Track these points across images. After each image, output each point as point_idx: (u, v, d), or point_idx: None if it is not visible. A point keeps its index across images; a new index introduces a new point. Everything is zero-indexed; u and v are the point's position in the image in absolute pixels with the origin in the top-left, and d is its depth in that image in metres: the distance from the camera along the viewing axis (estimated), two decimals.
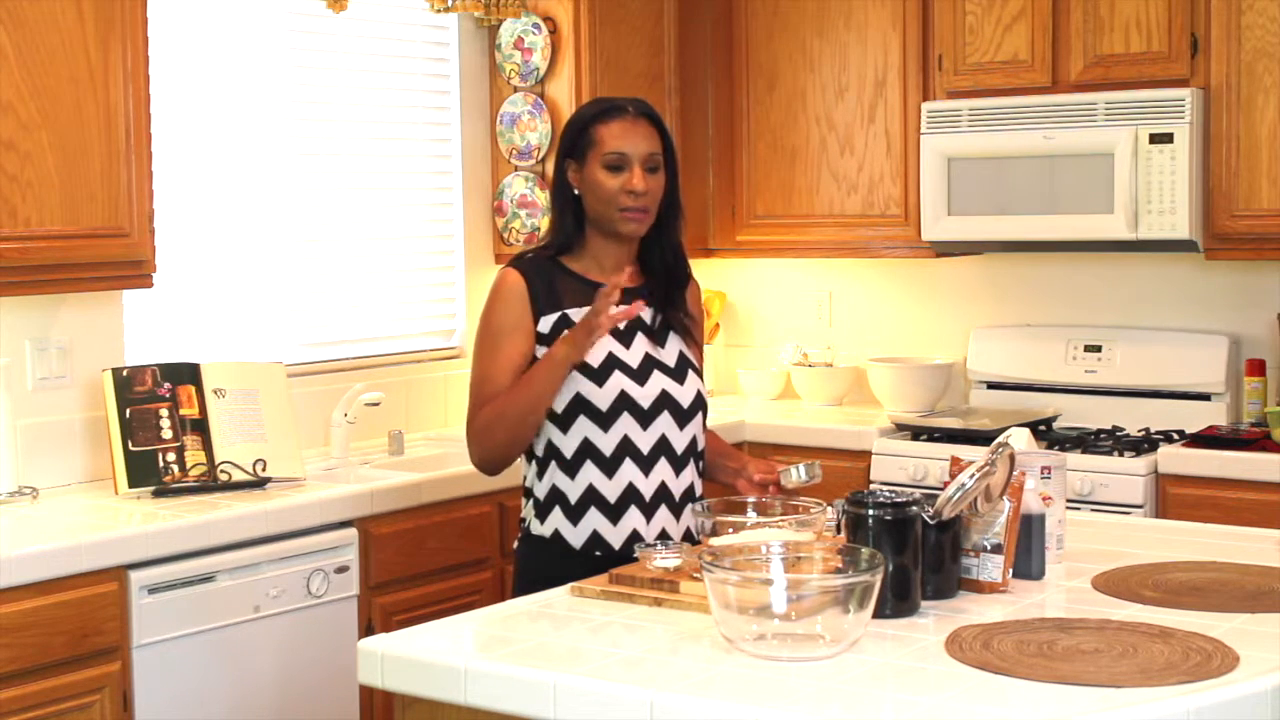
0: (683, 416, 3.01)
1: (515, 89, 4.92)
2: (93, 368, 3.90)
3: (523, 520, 3.06)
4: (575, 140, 3.00)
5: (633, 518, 2.94)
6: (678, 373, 3.02)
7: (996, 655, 2.22)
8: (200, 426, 3.82)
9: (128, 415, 3.73)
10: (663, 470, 2.98)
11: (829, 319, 5.41)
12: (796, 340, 5.40)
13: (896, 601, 2.44)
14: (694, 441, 3.04)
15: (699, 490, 3.06)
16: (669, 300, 3.07)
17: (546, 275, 2.98)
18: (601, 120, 2.98)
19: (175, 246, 4.10)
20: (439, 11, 4.66)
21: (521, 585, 2.97)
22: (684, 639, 2.36)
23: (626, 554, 2.87)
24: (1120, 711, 2.00)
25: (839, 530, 2.67)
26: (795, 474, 2.91)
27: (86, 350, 3.92)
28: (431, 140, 4.89)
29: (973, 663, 2.19)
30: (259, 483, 3.82)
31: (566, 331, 2.91)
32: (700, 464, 3.08)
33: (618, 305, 2.90)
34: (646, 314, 3.04)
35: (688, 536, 2.99)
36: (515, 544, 3.08)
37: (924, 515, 2.50)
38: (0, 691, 3.12)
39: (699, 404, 3.05)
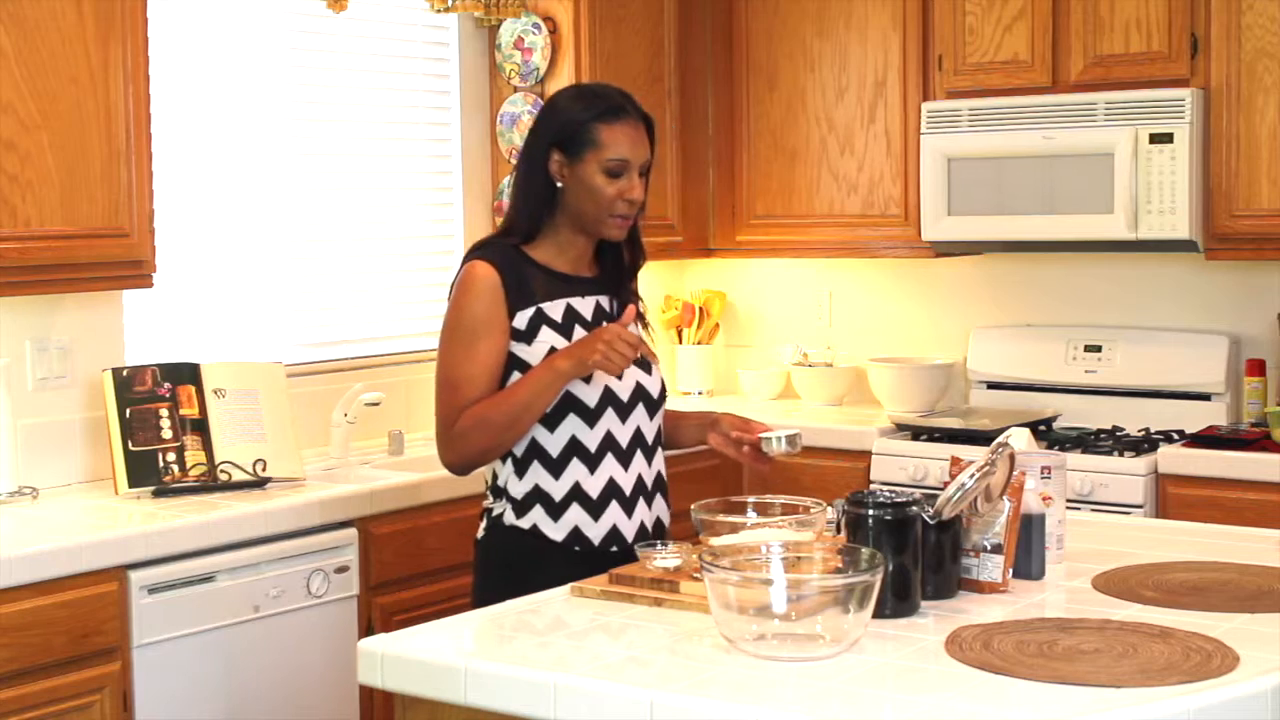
0: (653, 407, 3.01)
1: (515, 89, 4.92)
2: (93, 368, 3.90)
3: (489, 511, 3.00)
4: (572, 135, 2.91)
5: (613, 513, 2.93)
6: (643, 364, 3.00)
7: (996, 655, 2.22)
8: (200, 426, 3.82)
9: (128, 415, 3.73)
10: (639, 463, 2.97)
11: (829, 319, 5.41)
12: (796, 340, 5.40)
13: (896, 601, 2.44)
14: (659, 431, 3.05)
15: (665, 477, 3.06)
16: (621, 284, 3.05)
17: (516, 267, 2.93)
18: (604, 121, 2.90)
19: (175, 246, 4.10)
20: (439, 11, 4.66)
21: (492, 575, 2.93)
22: (684, 639, 2.36)
23: (605, 549, 2.88)
24: (1120, 711, 2.00)
25: (839, 530, 2.67)
26: (776, 444, 2.89)
27: (86, 350, 3.92)
28: (431, 140, 4.89)
29: (973, 663, 2.19)
30: (259, 483, 3.82)
31: (570, 344, 2.88)
32: (662, 453, 3.07)
33: (583, 298, 2.96)
34: (608, 302, 3.02)
35: (659, 526, 3.00)
36: (479, 534, 3.02)
37: (924, 515, 2.50)
38: (0, 691, 3.12)
39: (664, 393, 3.06)
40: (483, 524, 3.03)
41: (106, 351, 3.95)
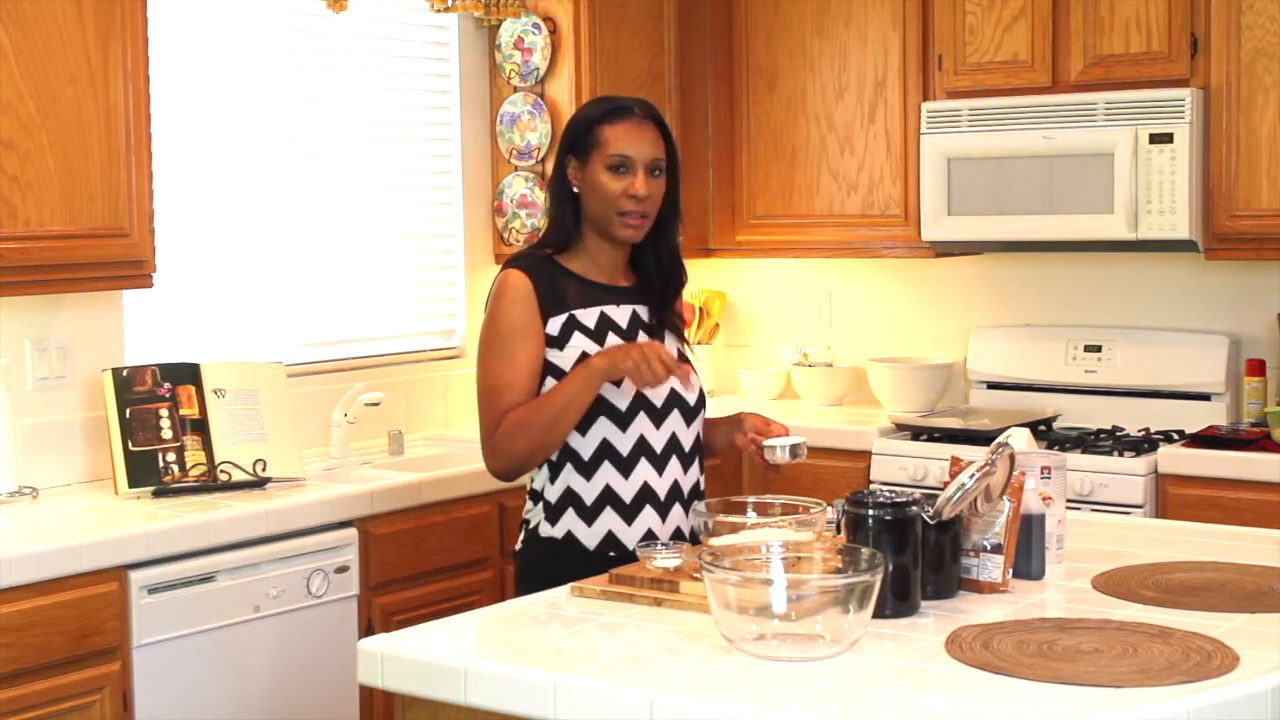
0: (689, 414, 3.02)
1: (515, 89, 4.92)
2: (93, 368, 3.90)
3: (526, 522, 3.04)
4: (579, 138, 2.97)
5: (648, 517, 2.94)
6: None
7: (996, 655, 2.22)
8: (200, 426, 3.82)
9: (128, 415, 3.73)
10: (674, 469, 2.98)
11: (829, 319, 5.41)
12: (796, 340, 5.40)
13: (896, 601, 2.44)
14: (698, 439, 3.06)
15: (703, 486, 3.06)
16: (662, 301, 3.07)
17: (548, 275, 2.97)
18: (608, 120, 2.95)
19: (175, 246, 4.10)
20: (439, 11, 4.66)
21: (528, 588, 2.95)
22: (684, 639, 2.36)
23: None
24: (1120, 711, 2.00)
25: (839, 530, 2.67)
26: (781, 453, 2.90)
27: (86, 350, 3.92)
28: (431, 140, 4.89)
29: (973, 663, 2.19)
30: (259, 483, 3.82)
31: (609, 347, 2.89)
32: (702, 461, 3.08)
33: (618, 306, 2.94)
34: (644, 312, 3.04)
35: (695, 534, 2.99)
36: (518, 546, 3.07)
37: (924, 515, 2.50)
38: (0, 691, 3.12)
39: (702, 401, 3.06)
40: (521, 536, 3.06)
41: (106, 351, 3.95)
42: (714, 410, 3.21)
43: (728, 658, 2.24)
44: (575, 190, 2.98)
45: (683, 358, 3.07)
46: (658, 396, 2.96)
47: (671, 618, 2.47)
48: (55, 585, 3.20)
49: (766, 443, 2.93)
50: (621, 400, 2.92)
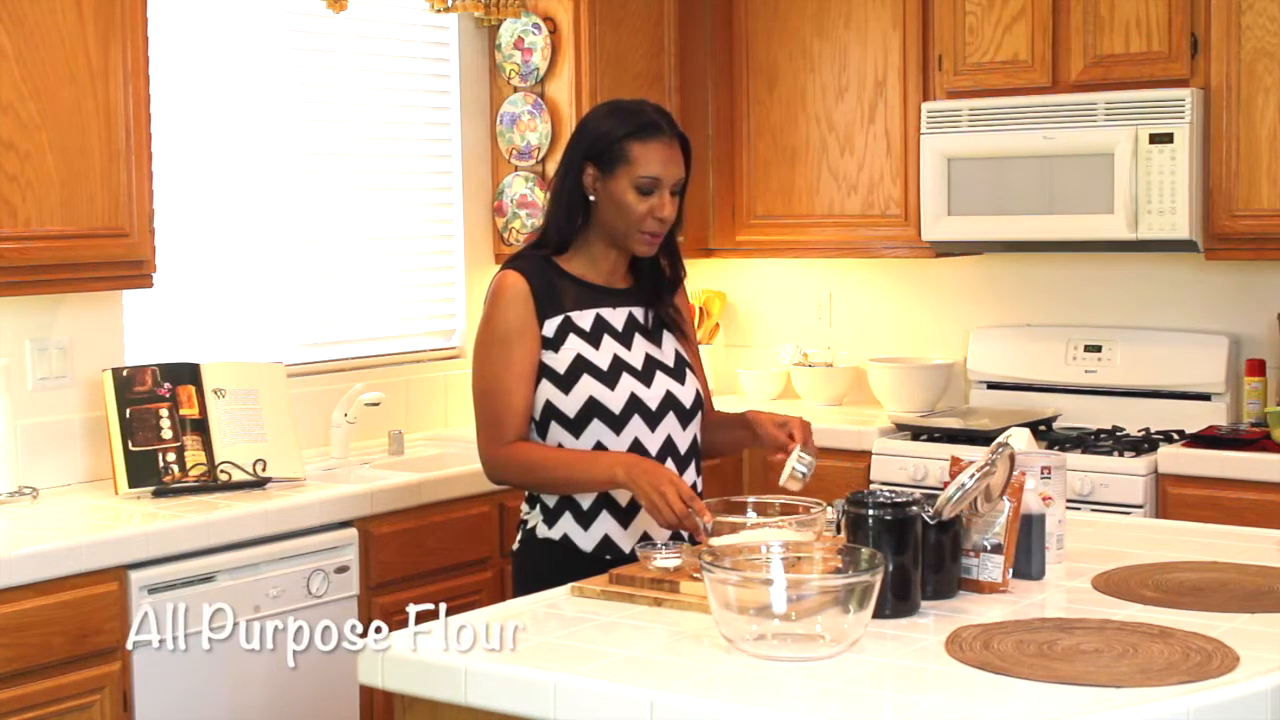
0: (685, 416, 3.01)
1: (515, 89, 4.92)
2: (93, 368, 3.90)
3: (524, 523, 3.03)
4: (606, 149, 2.91)
5: (645, 520, 2.92)
6: (677, 373, 3.02)
7: (996, 655, 2.22)
8: (200, 426, 3.82)
9: (128, 415, 3.73)
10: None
11: (829, 319, 5.41)
12: (796, 340, 5.40)
13: (896, 601, 2.44)
14: (694, 441, 3.05)
15: (700, 489, 3.06)
16: (658, 298, 3.06)
17: (546, 277, 2.95)
18: (639, 138, 2.90)
19: (175, 246, 4.10)
20: (439, 11, 4.66)
21: (525, 590, 2.94)
22: (684, 639, 2.36)
23: (635, 557, 2.87)
24: (1120, 711, 2.00)
25: (839, 530, 2.67)
26: (796, 484, 2.84)
27: (86, 350, 3.92)
28: (431, 140, 4.89)
29: (973, 663, 2.19)
30: (259, 483, 3.82)
31: (643, 461, 2.84)
32: (699, 463, 3.07)
33: (615, 309, 2.95)
34: (641, 314, 3.03)
35: (694, 536, 2.99)
36: (515, 546, 3.06)
37: (924, 515, 2.50)
38: (0, 691, 3.12)
39: (699, 404, 3.05)
40: (518, 536, 3.05)
41: (106, 351, 3.95)
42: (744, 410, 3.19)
43: (728, 658, 2.24)
44: (590, 198, 2.95)
45: (681, 360, 3.06)
46: (652, 399, 2.95)
47: (671, 618, 2.47)
48: (55, 585, 3.20)
49: (782, 483, 2.86)
50: (615, 403, 2.91)
